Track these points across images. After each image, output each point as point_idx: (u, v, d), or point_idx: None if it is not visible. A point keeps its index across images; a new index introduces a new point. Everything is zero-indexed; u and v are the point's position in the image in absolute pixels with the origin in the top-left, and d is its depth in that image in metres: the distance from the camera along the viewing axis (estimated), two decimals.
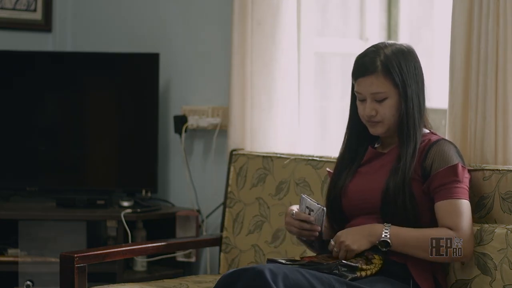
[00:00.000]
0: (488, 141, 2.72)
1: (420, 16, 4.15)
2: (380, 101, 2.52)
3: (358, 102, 2.58)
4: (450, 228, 2.45)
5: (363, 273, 2.43)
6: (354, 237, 2.48)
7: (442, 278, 2.58)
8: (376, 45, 2.58)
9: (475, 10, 2.73)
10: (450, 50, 2.83)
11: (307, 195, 2.59)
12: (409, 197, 2.49)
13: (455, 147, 2.58)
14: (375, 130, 2.58)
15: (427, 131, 2.62)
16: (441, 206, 2.48)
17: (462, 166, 2.52)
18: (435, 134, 2.61)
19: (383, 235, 2.45)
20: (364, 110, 2.55)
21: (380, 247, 2.45)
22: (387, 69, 2.50)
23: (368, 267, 2.45)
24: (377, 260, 2.47)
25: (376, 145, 2.68)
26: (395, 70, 2.50)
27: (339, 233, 2.51)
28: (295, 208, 2.61)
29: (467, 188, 2.52)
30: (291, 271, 2.33)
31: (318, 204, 2.55)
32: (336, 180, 2.65)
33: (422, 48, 4.10)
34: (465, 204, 2.49)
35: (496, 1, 2.68)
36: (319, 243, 2.60)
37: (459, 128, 2.82)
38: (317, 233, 2.55)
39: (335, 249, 2.49)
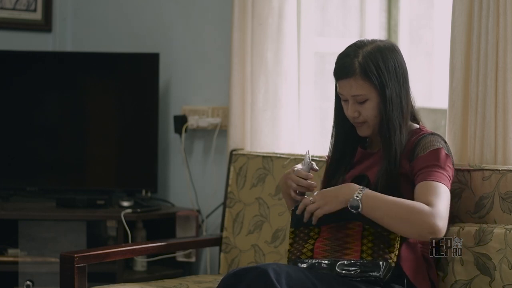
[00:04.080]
0: (488, 141, 2.72)
1: (420, 16, 4.15)
2: (362, 103, 2.51)
3: (342, 102, 2.57)
4: (425, 203, 2.38)
5: (394, 259, 2.42)
6: (327, 199, 2.44)
7: (434, 277, 2.57)
8: (355, 44, 2.55)
9: (475, 10, 2.73)
10: (450, 50, 2.82)
11: (309, 152, 2.59)
12: (398, 197, 2.47)
13: (445, 141, 2.55)
14: (361, 132, 2.58)
15: (417, 126, 2.61)
16: (418, 187, 2.44)
17: (446, 153, 2.49)
18: (425, 129, 2.60)
19: (354, 196, 2.41)
20: (348, 111, 2.55)
21: (350, 209, 2.41)
22: (364, 72, 2.48)
23: (393, 249, 2.42)
24: (395, 235, 2.42)
25: (366, 144, 2.68)
26: (372, 72, 2.48)
27: (319, 194, 2.47)
28: (299, 166, 2.60)
29: (449, 177, 2.47)
30: (294, 271, 2.33)
31: (309, 159, 2.56)
32: (328, 182, 2.65)
33: (422, 48, 4.11)
34: (443, 188, 2.42)
35: (496, 1, 2.68)
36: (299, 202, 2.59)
37: (459, 128, 2.81)
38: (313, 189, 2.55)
39: (310, 203, 2.47)
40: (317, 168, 2.58)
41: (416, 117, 2.62)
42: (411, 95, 2.58)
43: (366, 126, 2.55)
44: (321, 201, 2.46)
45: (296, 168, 2.58)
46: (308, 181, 2.54)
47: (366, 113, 2.52)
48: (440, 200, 2.39)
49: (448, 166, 2.48)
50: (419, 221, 2.35)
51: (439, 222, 2.36)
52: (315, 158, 3.14)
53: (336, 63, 2.55)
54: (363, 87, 2.49)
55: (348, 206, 2.42)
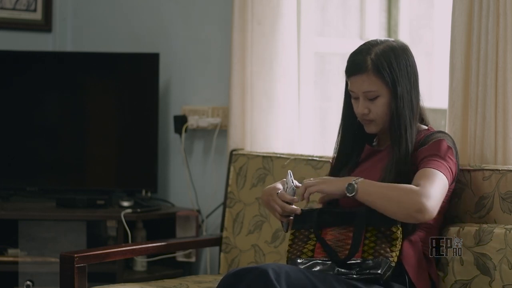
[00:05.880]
0: (488, 141, 2.72)
1: (420, 16, 4.15)
2: (372, 99, 2.53)
3: (352, 100, 2.59)
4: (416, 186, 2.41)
5: (395, 258, 2.42)
6: (326, 181, 2.50)
7: (434, 275, 2.57)
8: (368, 42, 2.58)
9: (475, 10, 2.73)
10: (450, 50, 2.83)
11: (291, 173, 2.60)
12: None
13: (451, 138, 2.57)
14: (369, 129, 2.59)
15: (425, 127, 2.62)
16: (416, 173, 2.46)
17: (448, 145, 2.50)
18: (433, 129, 2.60)
19: (352, 181, 2.44)
20: (358, 108, 2.56)
21: (347, 192, 2.43)
22: (377, 68, 2.50)
23: (395, 248, 2.42)
24: (397, 234, 2.43)
25: (374, 142, 2.68)
26: (385, 69, 2.50)
27: (320, 178, 2.53)
28: (279, 186, 2.61)
29: (448, 168, 2.47)
30: (294, 271, 2.33)
31: (293, 182, 2.57)
32: None
33: (422, 48, 4.10)
34: (438, 174, 2.43)
35: (496, 1, 2.68)
36: (287, 224, 2.60)
37: (459, 128, 2.82)
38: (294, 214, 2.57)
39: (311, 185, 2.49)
40: (299, 184, 2.59)
41: (424, 119, 2.63)
42: (421, 97, 2.59)
43: (374, 124, 2.56)
44: (321, 181, 2.51)
45: (280, 191, 2.59)
46: (293, 206, 2.56)
47: (376, 110, 2.53)
48: (431, 183, 2.40)
49: (449, 157, 2.49)
50: (406, 200, 2.37)
51: (425, 200, 2.37)
52: (315, 158, 3.15)
53: (348, 60, 2.57)
54: (375, 83, 2.51)
55: (345, 189, 2.44)
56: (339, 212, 2.53)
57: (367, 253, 2.44)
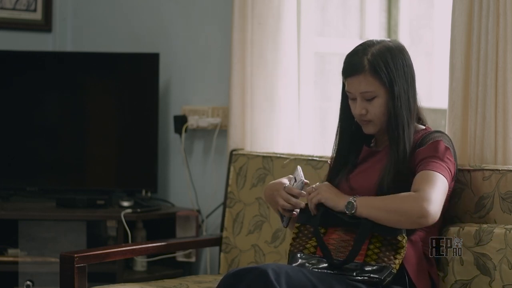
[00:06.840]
0: (488, 141, 2.72)
1: (420, 16, 4.15)
2: (370, 100, 2.52)
3: (350, 101, 2.58)
4: (415, 191, 2.41)
5: (398, 266, 2.42)
6: (329, 194, 2.51)
7: (435, 276, 2.57)
8: (364, 43, 2.58)
9: (475, 10, 2.73)
10: (450, 50, 2.82)
11: (301, 169, 2.61)
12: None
13: (449, 137, 2.57)
14: (367, 129, 2.59)
15: (423, 127, 2.62)
16: (414, 178, 2.45)
17: (445, 146, 2.50)
18: (431, 129, 2.60)
19: (350, 198, 2.45)
20: (355, 109, 2.55)
21: (346, 210, 2.44)
22: (374, 69, 2.50)
23: (399, 256, 2.42)
24: (402, 243, 2.42)
25: (372, 143, 2.68)
26: (381, 69, 2.49)
27: (325, 186, 2.54)
28: (285, 181, 2.62)
29: (447, 169, 2.47)
30: (293, 271, 2.33)
31: (302, 177, 2.58)
32: (331, 180, 2.65)
33: (422, 48, 4.11)
34: (438, 176, 2.43)
35: (496, 1, 2.68)
36: (287, 219, 2.60)
37: (459, 128, 2.82)
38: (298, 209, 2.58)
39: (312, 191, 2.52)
40: (307, 181, 2.61)
41: (422, 119, 2.63)
42: (418, 97, 2.59)
43: (372, 125, 2.56)
44: (322, 190, 2.51)
45: (287, 185, 2.59)
46: (297, 200, 2.56)
47: (374, 110, 2.53)
48: (430, 186, 2.40)
49: (448, 158, 2.49)
50: (407, 207, 2.38)
51: (426, 205, 2.37)
52: (315, 158, 3.15)
53: (345, 62, 2.56)
54: (372, 83, 2.50)
55: (344, 207, 2.45)
56: (344, 217, 2.50)
57: (370, 258, 2.43)
